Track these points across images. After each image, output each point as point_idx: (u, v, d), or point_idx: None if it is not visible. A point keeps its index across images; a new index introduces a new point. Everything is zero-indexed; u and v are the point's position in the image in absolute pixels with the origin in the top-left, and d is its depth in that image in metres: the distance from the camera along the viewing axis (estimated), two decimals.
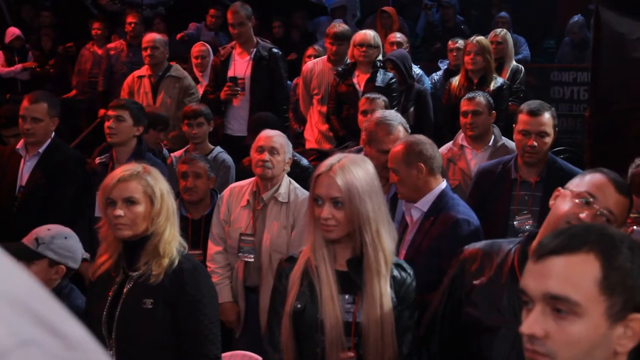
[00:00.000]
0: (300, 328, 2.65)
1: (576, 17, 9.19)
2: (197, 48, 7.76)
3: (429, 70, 7.92)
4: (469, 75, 6.31)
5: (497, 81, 6.24)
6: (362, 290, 2.62)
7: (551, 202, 2.39)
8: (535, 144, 4.09)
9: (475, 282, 2.42)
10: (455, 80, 6.47)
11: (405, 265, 2.78)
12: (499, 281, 2.37)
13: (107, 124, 4.78)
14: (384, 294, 2.61)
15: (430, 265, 3.35)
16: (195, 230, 4.55)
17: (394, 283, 2.67)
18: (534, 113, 4.12)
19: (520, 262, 2.30)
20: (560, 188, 2.39)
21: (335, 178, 2.58)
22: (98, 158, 4.98)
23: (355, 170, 2.62)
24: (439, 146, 4.08)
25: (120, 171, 2.84)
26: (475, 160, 4.95)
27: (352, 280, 2.64)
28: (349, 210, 2.58)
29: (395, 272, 2.70)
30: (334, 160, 2.65)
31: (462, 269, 2.49)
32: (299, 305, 2.64)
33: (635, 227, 3.43)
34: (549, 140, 4.15)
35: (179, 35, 9.59)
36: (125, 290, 2.81)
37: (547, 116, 4.13)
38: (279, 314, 2.69)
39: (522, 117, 4.16)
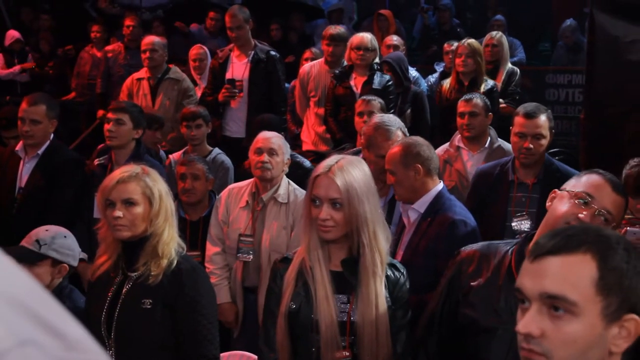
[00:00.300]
0: (295, 328, 2.66)
1: (568, 21, 9.20)
2: (194, 51, 7.75)
3: (426, 72, 7.93)
4: (459, 78, 6.32)
5: (488, 83, 6.24)
6: (356, 290, 2.63)
7: (548, 203, 2.39)
8: (531, 146, 4.13)
9: (472, 283, 2.41)
10: (446, 83, 6.47)
11: (398, 265, 2.79)
12: (496, 282, 2.36)
13: (107, 126, 4.78)
14: (380, 294, 2.62)
15: (427, 266, 3.34)
16: (194, 231, 4.53)
17: (387, 283, 2.68)
18: (530, 115, 4.15)
19: (518, 263, 2.28)
20: (556, 189, 2.39)
21: (334, 179, 2.59)
22: (97, 160, 4.98)
23: (354, 171, 2.63)
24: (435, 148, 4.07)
25: (119, 172, 2.84)
26: (471, 161, 4.97)
27: (347, 280, 2.65)
28: (347, 211, 2.58)
29: (389, 272, 2.70)
30: (332, 162, 2.65)
31: (459, 270, 2.48)
32: (294, 306, 2.65)
33: (628, 227, 3.44)
34: (545, 142, 4.18)
35: (178, 22, 9.56)
36: (124, 290, 2.81)
37: (543, 118, 4.16)
38: (273, 314, 2.70)
39: (518, 120, 4.19)
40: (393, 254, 3.50)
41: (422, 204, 3.52)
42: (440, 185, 3.58)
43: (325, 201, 2.59)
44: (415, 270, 3.28)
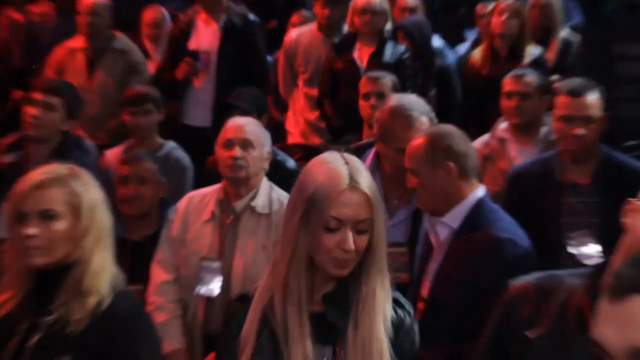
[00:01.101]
0: None
1: None
2: (149, 14, 7.90)
3: (453, 42, 8.03)
4: (494, 46, 6.39)
5: (533, 53, 6.33)
6: (346, 336, 2.45)
7: (625, 219, 2.28)
8: (581, 132, 4.17)
9: (528, 333, 2.29)
10: (477, 53, 6.58)
11: (401, 298, 2.59)
12: (562, 332, 2.23)
13: (29, 111, 4.80)
14: (383, 341, 2.44)
15: (462, 303, 3.36)
16: (137, 256, 4.43)
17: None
18: (576, 93, 4.25)
19: (592, 303, 2.10)
20: (631, 199, 2.30)
21: (366, 192, 2.42)
22: (6, 156, 4.97)
23: (369, 176, 2.47)
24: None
25: (37, 174, 2.75)
26: (521, 157, 4.97)
27: (331, 324, 2.47)
28: (371, 234, 2.44)
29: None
30: (345, 168, 2.44)
31: (508, 314, 2.37)
32: None
33: None
34: (596, 127, 4.24)
35: None
36: (32, 342, 2.68)
37: (592, 97, 4.25)
38: None
39: (561, 100, 4.29)
40: (417, 285, 3.57)
41: (455, 217, 3.50)
42: (480, 191, 3.55)
43: (349, 224, 2.41)
44: (446, 308, 3.42)
